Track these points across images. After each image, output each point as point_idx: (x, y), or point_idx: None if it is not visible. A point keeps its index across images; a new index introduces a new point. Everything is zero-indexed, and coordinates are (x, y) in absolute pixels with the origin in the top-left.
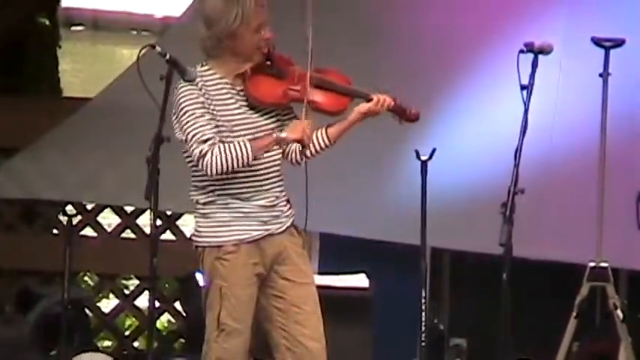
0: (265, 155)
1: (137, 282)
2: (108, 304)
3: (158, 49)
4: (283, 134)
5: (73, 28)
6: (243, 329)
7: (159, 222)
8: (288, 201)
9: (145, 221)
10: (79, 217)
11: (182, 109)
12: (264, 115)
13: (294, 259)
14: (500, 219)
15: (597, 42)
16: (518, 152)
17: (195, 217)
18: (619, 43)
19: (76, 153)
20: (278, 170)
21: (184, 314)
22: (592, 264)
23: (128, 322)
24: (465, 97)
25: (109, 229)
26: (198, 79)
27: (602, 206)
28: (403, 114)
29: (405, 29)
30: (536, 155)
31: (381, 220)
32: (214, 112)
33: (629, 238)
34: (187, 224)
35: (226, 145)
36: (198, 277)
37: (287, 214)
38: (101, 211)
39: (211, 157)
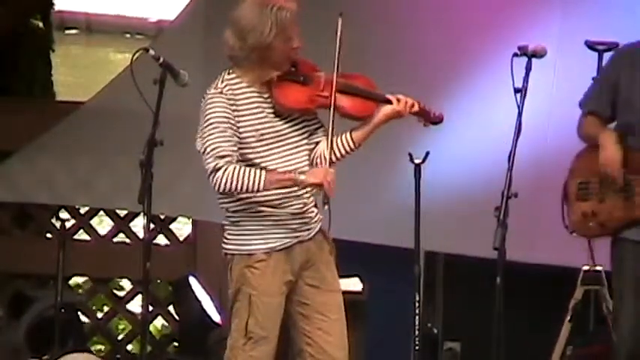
0: (294, 162)
1: (130, 286)
2: (101, 308)
3: (152, 52)
4: (302, 177)
5: (67, 31)
6: (271, 337)
7: (152, 226)
8: (316, 206)
9: (138, 225)
10: (73, 221)
11: (207, 119)
12: (290, 122)
13: (320, 265)
14: (493, 223)
15: (591, 45)
16: (511, 156)
17: (225, 224)
18: (612, 47)
19: (69, 156)
20: None
21: (177, 318)
22: (586, 268)
23: (121, 326)
24: (458, 100)
25: (102, 233)
26: (226, 89)
27: None
28: (427, 116)
29: (399, 35)
30: (530, 159)
31: (375, 224)
32: (242, 122)
33: None
34: (180, 228)
35: (242, 168)
36: (192, 280)
37: (315, 219)
38: (94, 215)
39: (222, 174)
